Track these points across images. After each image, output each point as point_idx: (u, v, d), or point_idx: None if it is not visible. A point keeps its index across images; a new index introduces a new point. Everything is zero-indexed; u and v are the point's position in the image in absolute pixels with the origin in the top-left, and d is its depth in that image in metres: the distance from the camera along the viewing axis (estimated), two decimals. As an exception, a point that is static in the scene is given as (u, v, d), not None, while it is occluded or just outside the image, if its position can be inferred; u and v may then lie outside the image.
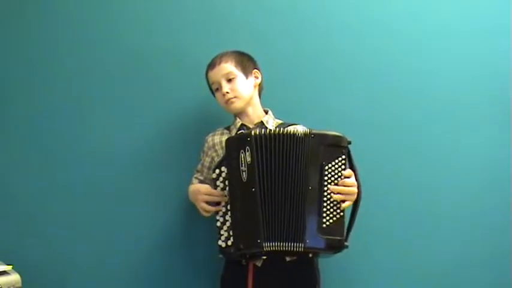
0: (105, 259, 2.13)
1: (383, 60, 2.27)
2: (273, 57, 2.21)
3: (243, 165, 1.82)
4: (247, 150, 1.82)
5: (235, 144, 1.85)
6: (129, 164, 2.18)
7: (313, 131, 1.85)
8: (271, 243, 1.80)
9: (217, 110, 2.08)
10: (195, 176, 2.07)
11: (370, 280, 2.19)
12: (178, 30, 2.23)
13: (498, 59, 2.28)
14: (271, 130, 1.86)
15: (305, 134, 1.83)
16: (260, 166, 1.81)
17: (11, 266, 1.79)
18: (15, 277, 1.78)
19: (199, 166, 2.08)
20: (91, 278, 2.12)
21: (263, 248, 1.79)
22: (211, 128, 2.10)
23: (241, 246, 1.81)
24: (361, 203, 1.89)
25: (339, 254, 1.88)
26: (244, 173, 1.82)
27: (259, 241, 1.79)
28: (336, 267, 2.11)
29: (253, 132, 1.84)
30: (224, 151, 1.89)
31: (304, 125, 1.99)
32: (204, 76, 2.05)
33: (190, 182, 2.06)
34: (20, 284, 1.78)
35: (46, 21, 2.21)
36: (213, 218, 1.91)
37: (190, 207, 2.01)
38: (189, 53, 2.20)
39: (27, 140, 2.16)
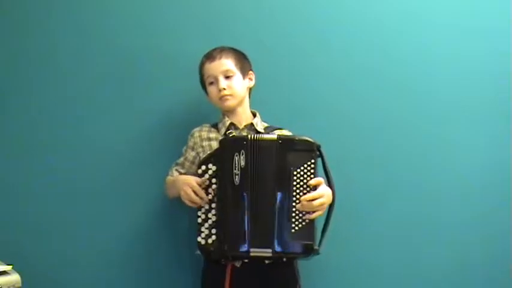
0: (105, 259, 2.13)
1: (381, 60, 2.26)
2: (270, 57, 2.22)
3: (237, 168, 1.81)
4: (242, 154, 1.81)
5: (230, 146, 1.84)
6: (123, 163, 2.18)
7: (281, 136, 1.85)
8: (254, 249, 1.79)
9: (204, 109, 2.09)
10: (175, 168, 2.03)
11: (370, 281, 2.19)
12: (169, 29, 2.22)
13: (498, 59, 2.27)
14: (262, 135, 1.85)
15: (274, 140, 1.82)
16: (252, 171, 1.81)
17: (11, 266, 1.79)
18: (15, 277, 1.77)
19: (181, 159, 2.04)
20: (91, 277, 2.13)
21: (249, 253, 1.79)
22: (197, 125, 2.08)
23: (225, 248, 1.80)
24: (359, 204, 1.89)
25: (337, 256, 1.88)
26: (237, 176, 1.81)
27: (245, 245, 1.78)
28: (331, 269, 2.13)
29: (249, 137, 1.83)
30: (219, 150, 1.87)
31: (290, 130, 2.00)
32: (196, 70, 2.03)
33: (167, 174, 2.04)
34: (20, 284, 1.77)
35: (44, 23, 2.21)
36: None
37: (175, 203, 2.00)
38: (182, 52, 2.19)
39: (26, 140, 2.16)
